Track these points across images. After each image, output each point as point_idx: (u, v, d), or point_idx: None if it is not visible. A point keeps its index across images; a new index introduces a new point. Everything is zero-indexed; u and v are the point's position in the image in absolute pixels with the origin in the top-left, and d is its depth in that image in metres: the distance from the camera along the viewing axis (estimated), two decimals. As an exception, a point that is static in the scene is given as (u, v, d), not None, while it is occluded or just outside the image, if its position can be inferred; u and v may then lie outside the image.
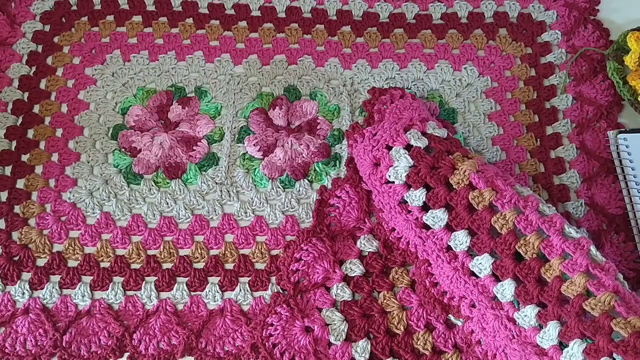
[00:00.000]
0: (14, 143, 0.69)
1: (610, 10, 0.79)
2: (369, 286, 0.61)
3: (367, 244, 0.63)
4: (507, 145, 0.71)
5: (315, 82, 0.74)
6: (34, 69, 0.74)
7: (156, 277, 0.63)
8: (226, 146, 0.70)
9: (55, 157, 0.69)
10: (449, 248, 0.57)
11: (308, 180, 0.68)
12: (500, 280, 0.54)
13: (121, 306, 0.61)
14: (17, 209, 0.66)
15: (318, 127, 0.71)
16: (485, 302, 0.55)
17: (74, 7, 0.78)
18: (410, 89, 0.74)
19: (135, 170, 0.68)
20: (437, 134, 0.62)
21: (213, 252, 0.64)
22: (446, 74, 0.75)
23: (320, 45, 0.77)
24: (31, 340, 0.59)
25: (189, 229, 0.65)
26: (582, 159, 0.69)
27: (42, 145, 0.69)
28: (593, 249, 0.52)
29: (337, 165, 0.69)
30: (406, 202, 0.60)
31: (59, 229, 0.64)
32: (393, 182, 0.60)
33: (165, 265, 0.64)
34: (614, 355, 0.46)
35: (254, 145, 0.69)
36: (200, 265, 0.64)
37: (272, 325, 0.59)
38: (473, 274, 0.56)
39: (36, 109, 0.72)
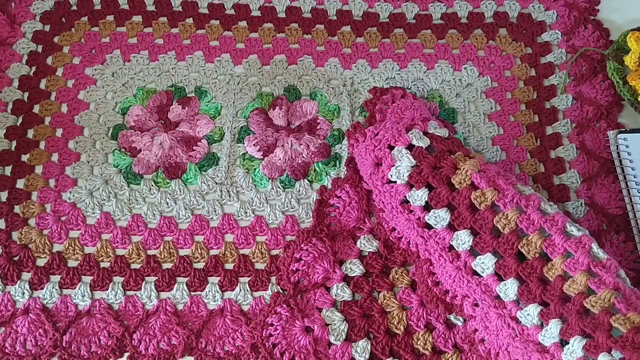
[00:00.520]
0: (14, 143, 0.69)
1: (610, 10, 0.79)
2: (369, 286, 0.61)
3: (367, 244, 0.63)
4: (507, 145, 0.71)
5: (315, 82, 0.74)
6: (34, 69, 0.74)
7: (156, 277, 0.63)
8: (226, 146, 0.70)
9: (55, 157, 0.69)
10: (451, 247, 0.58)
11: (308, 180, 0.68)
12: (503, 280, 0.54)
13: (121, 306, 0.61)
14: (17, 209, 0.66)
15: (318, 127, 0.71)
16: (489, 301, 0.55)
17: (74, 7, 0.78)
18: (410, 89, 0.74)
19: (135, 170, 0.68)
20: (438, 134, 0.62)
21: (213, 252, 0.64)
22: (446, 74, 0.75)
23: (320, 45, 0.77)
24: (31, 340, 0.59)
25: (189, 229, 0.65)
26: (582, 159, 0.69)
27: (42, 145, 0.69)
28: (594, 246, 0.52)
29: (337, 165, 0.69)
30: (408, 201, 0.60)
31: (59, 229, 0.64)
32: (395, 182, 0.60)
33: (165, 265, 0.64)
34: (613, 351, 0.46)
35: (254, 145, 0.69)
36: (200, 265, 0.64)
37: (272, 325, 0.59)
38: (476, 273, 0.56)
39: (36, 109, 0.72)
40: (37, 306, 0.60)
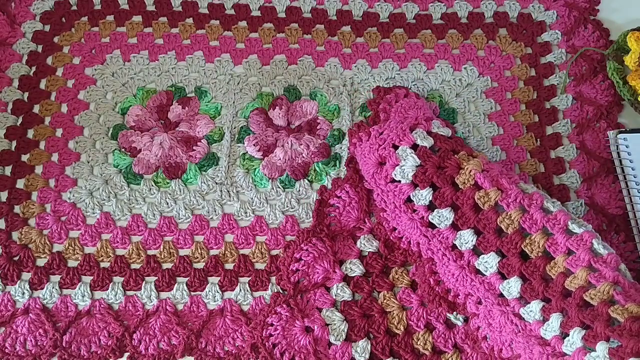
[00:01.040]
0: (14, 143, 0.69)
1: (610, 10, 0.79)
2: (369, 286, 0.61)
3: (367, 244, 0.63)
4: (507, 145, 0.71)
5: (315, 82, 0.74)
6: (34, 69, 0.74)
7: (156, 277, 0.63)
8: (226, 146, 0.70)
9: (55, 157, 0.69)
10: (454, 247, 0.58)
11: (308, 180, 0.68)
12: (506, 278, 0.55)
13: (121, 306, 0.61)
14: (17, 209, 0.66)
15: (318, 127, 0.71)
16: (492, 299, 0.55)
17: (74, 7, 0.78)
18: (410, 89, 0.74)
19: (135, 170, 0.68)
20: (442, 133, 0.62)
21: (213, 252, 0.64)
22: (446, 74, 0.75)
23: (320, 45, 0.77)
24: (31, 340, 0.59)
25: (189, 229, 0.65)
26: (582, 159, 0.69)
27: (42, 145, 0.69)
28: (595, 242, 0.52)
29: (337, 165, 0.69)
30: (411, 201, 0.60)
31: (59, 229, 0.64)
32: (399, 182, 0.60)
33: (165, 265, 0.64)
34: (611, 340, 0.46)
35: (254, 145, 0.69)
36: (200, 265, 0.64)
37: (272, 325, 0.59)
38: (479, 272, 0.57)
39: (36, 109, 0.72)
40: (37, 306, 0.60)
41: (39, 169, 0.68)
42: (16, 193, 0.66)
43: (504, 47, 0.77)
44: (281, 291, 0.62)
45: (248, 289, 0.62)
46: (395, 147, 0.61)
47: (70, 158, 0.68)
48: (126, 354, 0.59)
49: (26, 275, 0.62)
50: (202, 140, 0.70)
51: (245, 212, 0.66)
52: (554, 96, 0.74)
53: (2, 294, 0.61)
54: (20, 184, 0.67)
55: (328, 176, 0.68)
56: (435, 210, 0.58)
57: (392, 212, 0.62)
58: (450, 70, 0.75)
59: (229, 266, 0.64)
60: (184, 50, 0.76)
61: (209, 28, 0.78)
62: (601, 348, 0.46)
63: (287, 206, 0.66)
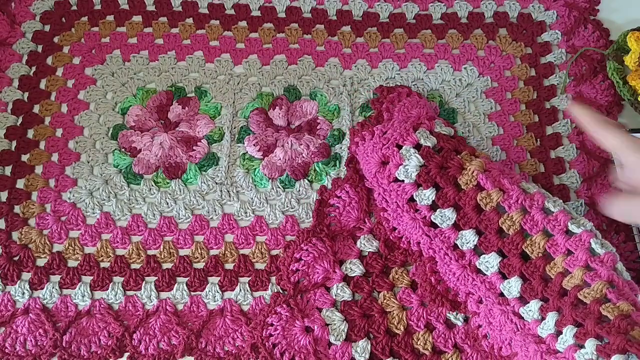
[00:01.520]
0: (14, 143, 0.69)
1: (610, 10, 0.79)
2: (369, 286, 0.61)
3: (367, 244, 0.63)
4: (507, 145, 0.71)
5: (315, 82, 0.74)
6: (34, 69, 0.74)
7: (156, 277, 0.63)
8: (226, 146, 0.70)
9: (55, 157, 0.69)
10: (455, 246, 0.58)
11: (308, 180, 0.68)
12: (507, 278, 0.55)
13: (121, 306, 0.61)
14: (17, 209, 0.66)
15: (318, 127, 0.71)
16: (493, 298, 0.56)
17: (74, 7, 0.78)
18: (411, 88, 0.74)
19: (135, 170, 0.68)
20: (444, 133, 0.62)
21: (213, 252, 0.64)
22: (446, 74, 0.75)
23: (320, 45, 0.77)
24: (31, 340, 0.59)
25: (189, 229, 0.65)
26: (582, 159, 0.69)
27: (42, 145, 0.69)
28: (593, 242, 0.53)
29: (337, 165, 0.69)
30: (414, 200, 0.60)
31: (59, 229, 0.64)
32: (402, 181, 0.60)
33: (165, 265, 0.64)
34: (605, 339, 0.47)
35: (254, 145, 0.69)
36: (200, 265, 0.64)
37: (272, 325, 0.59)
38: (480, 271, 0.57)
39: (36, 109, 0.72)
40: (37, 306, 0.60)
41: (39, 169, 0.68)
42: (16, 193, 0.66)
43: (504, 47, 0.77)
44: (281, 291, 0.62)
45: (248, 289, 0.62)
46: (399, 147, 0.61)
47: (70, 158, 0.68)
48: (126, 354, 0.59)
49: (26, 275, 0.62)
50: (202, 140, 0.70)
51: (245, 212, 0.66)
52: (554, 96, 0.74)
53: (2, 294, 0.61)
54: (20, 184, 0.67)
55: (328, 176, 0.68)
56: (438, 210, 0.59)
57: (393, 211, 0.62)
58: (450, 70, 0.75)
59: (229, 266, 0.64)
60: (184, 50, 0.76)
61: (209, 28, 0.78)
62: (590, 345, 0.46)
63: (287, 206, 0.66)
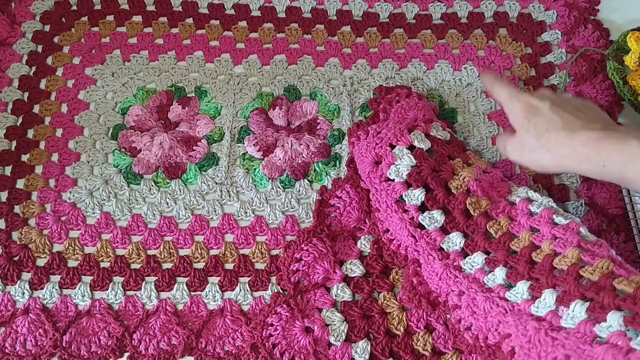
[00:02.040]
0: (14, 143, 0.70)
1: (610, 10, 0.79)
2: (369, 287, 0.61)
3: (367, 245, 0.63)
4: (507, 145, 0.71)
5: (315, 82, 0.74)
6: (34, 69, 0.74)
7: (156, 277, 0.63)
8: (226, 146, 0.70)
9: (55, 157, 0.69)
10: (440, 249, 0.58)
11: (308, 180, 0.68)
12: (491, 272, 0.55)
13: (121, 306, 0.61)
14: (17, 209, 0.66)
15: (318, 127, 0.71)
16: (475, 288, 0.55)
17: (74, 7, 0.78)
18: (411, 89, 0.74)
19: (135, 170, 0.68)
20: (440, 137, 0.63)
21: (213, 252, 0.64)
22: (446, 73, 0.75)
23: (320, 45, 0.77)
24: (31, 340, 0.59)
25: (189, 229, 0.65)
26: (582, 159, 0.69)
27: (42, 145, 0.69)
28: (583, 230, 0.53)
29: (337, 165, 0.69)
30: (404, 201, 0.60)
31: (59, 229, 0.64)
32: (393, 180, 0.60)
33: (165, 265, 0.64)
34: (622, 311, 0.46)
35: (253, 145, 0.69)
36: (200, 265, 0.64)
37: (272, 325, 0.59)
38: (463, 270, 0.57)
39: (36, 109, 0.72)
40: (37, 306, 0.60)
41: (39, 169, 0.68)
42: (16, 193, 0.66)
43: (504, 47, 0.77)
44: (281, 291, 0.62)
45: (248, 289, 0.62)
46: (392, 147, 0.61)
47: (70, 158, 0.68)
48: (126, 354, 0.59)
49: (26, 275, 0.62)
50: (202, 140, 0.70)
51: (245, 212, 0.66)
52: (554, 96, 0.74)
53: (2, 294, 0.61)
54: (20, 184, 0.67)
55: (328, 176, 0.68)
56: (426, 211, 0.59)
57: (384, 211, 0.62)
58: (450, 70, 0.75)
59: (229, 266, 0.64)
60: (184, 50, 0.76)
61: (209, 28, 0.78)
62: (614, 317, 0.46)
63: (287, 206, 0.66)
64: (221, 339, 0.60)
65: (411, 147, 0.61)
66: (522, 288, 0.52)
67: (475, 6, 0.80)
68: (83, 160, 0.69)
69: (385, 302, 0.61)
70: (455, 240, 0.58)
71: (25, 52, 0.75)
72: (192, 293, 0.62)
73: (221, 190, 0.67)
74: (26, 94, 0.72)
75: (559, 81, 0.75)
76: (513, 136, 0.58)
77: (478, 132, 0.71)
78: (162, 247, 0.64)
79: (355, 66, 0.76)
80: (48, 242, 0.64)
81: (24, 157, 0.69)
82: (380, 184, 0.61)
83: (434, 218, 0.58)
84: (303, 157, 0.69)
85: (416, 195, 0.59)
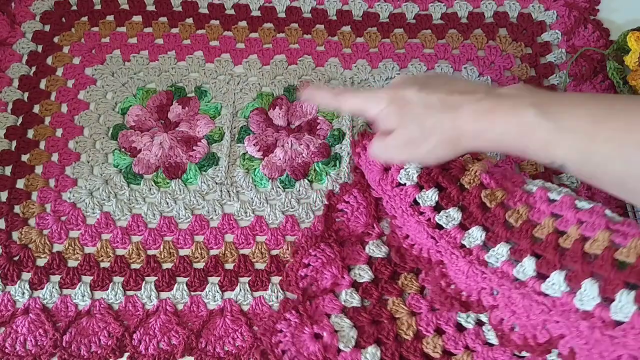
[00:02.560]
0: (14, 143, 0.70)
1: (610, 10, 0.79)
2: (378, 292, 0.61)
3: (375, 250, 0.63)
4: (507, 145, 0.71)
5: (316, 82, 0.74)
6: (34, 69, 0.74)
7: (156, 277, 0.63)
8: (226, 146, 0.70)
9: (55, 157, 0.69)
10: (462, 246, 0.57)
11: (308, 180, 0.68)
12: (519, 262, 0.53)
13: (121, 306, 0.61)
14: (17, 209, 0.66)
15: (318, 127, 0.71)
16: (508, 284, 0.53)
17: (74, 7, 0.78)
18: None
19: (135, 170, 0.68)
20: None
21: (213, 252, 0.64)
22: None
23: (320, 45, 0.77)
24: (31, 340, 0.59)
25: (189, 229, 0.65)
26: (582, 159, 0.69)
27: (42, 145, 0.69)
28: (609, 212, 0.50)
29: (337, 165, 0.69)
30: (418, 203, 0.59)
31: (59, 229, 0.64)
32: (404, 185, 0.60)
33: (165, 265, 0.64)
34: None
35: (253, 145, 0.69)
36: (200, 265, 0.64)
37: (281, 331, 0.59)
38: (489, 264, 0.55)
39: (36, 109, 0.72)
40: (37, 306, 0.60)
41: (39, 169, 0.68)
42: (16, 193, 0.66)
43: (504, 47, 0.77)
44: (283, 293, 0.61)
45: (248, 289, 0.62)
46: None
47: (70, 158, 0.68)
48: (126, 354, 0.59)
49: (26, 275, 0.62)
50: (202, 140, 0.70)
51: (245, 212, 0.66)
52: (554, 96, 0.74)
53: (2, 294, 0.61)
54: (20, 184, 0.67)
55: (328, 176, 0.68)
56: (442, 211, 0.58)
57: (401, 217, 0.61)
58: (450, 70, 0.75)
59: (229, 266, 0.64)
60: (184, 50, 0.76)
61: (209, 28, 0.78)
62: None
63: (287, 206, 0.66)
64: (221, 339, 0.60)
65: None
66: (557, 279, 0.49)
67: (475, 6, 0.80)
68: (83, 160, 0.69)
69: (394, 307, 0.60)
70: (475, 235, 0.56)
71: (25, 52, 0.75)
72: (192, 293, 0.62)
73: (221, 190, 0.67)
74: (26, 94, 0.72)
75: (559, 81, 0.75)
76: (389, 138, 0.53)
77: (478, 132, 0.71)
78: (162, 247, 0.64)
79: (355, 66, 0.76)
80: (48, 242, 0.64)
81: (24, 157, 0.69)
82: (393, 190, 0.61)
83: (451, 216, 0.57)
84: (303, 157, 0.69)
85: (430, 196, 0.58)
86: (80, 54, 0.75)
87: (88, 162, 0.68)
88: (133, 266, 0.63)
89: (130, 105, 0.72)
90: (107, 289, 0.62)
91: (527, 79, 0.75)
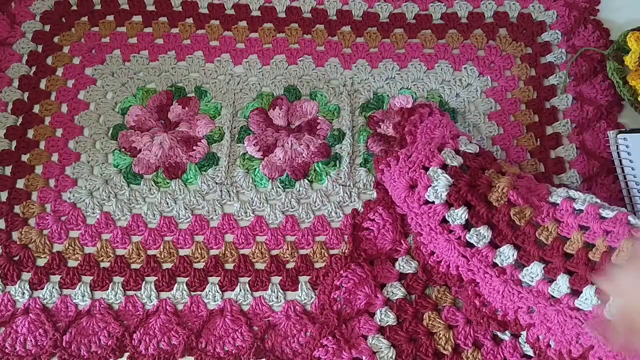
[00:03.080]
0: (14, 143, 0.69)
1: (610, 10, 0.79)
2: (413, 308, 0.61)
3: (405, 266, 0.62)
4: (507, 145, 0.71)
5: (315, 82, 0.74)
6: (34, 69, 0.74)
7: (156, 277, 0.63)
8: (226, 146, 0.70)
9: (55, 157, 0.69)
10: (494, 265, 0.57)
11: (308, 180, 0.68)
12: (554, 280, 0.54)
13: (121, 306, 0.61)
14: (17, 209, 0.66)
15: (318, 127, 0.71)
16: (544, 302, 0.55)
17: (74, 7, 0.78)
18: (410, 89, 0.74)
19: (135, 170, 0.68)
20: (469, 151, 0.62)
21: (213, 252, 0.64)
22: (446, 74, 0.75)
23: (320, 45, 0.77)
24: (31, 340, 0.59)
25: (189, 229, 0.65)
26: (582, 159, 0.69)
27: (42, 145, 0.69)
28: (632, 218, 0.52)
29: (337, 165, 0.69)
30: (447, 221, 0.59)
31: (59, 229, 0.64)
32: (432, 203, 0.60)
33: (165, 265, 0.64)
34: None
35: (253, 145, 0.69)
36: (200, 265, 0.64)
37: (319, 359, 0.58)
38: (524, 283, 0.56)
39: (36, 109, 0.72)
40: (37, 306, 0.60)
41: (39, 169, 0.68)
42: (16, 193, 0.66)
43: (504, 47, 0.77)
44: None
45: (248, 289, 0.62)
46: (425, 169, 0.60)
47: (70, 158, 0.68)
48: (126, 354, 0.59)
49: (26, 275, 0.62)
50: (202, 140, 0.70)
51: (245, 212, 0.66)
52: (554, 96, 0.74)
53: (2, 294, 0.61)
54: (20, 184, 0.67)
55: (328, 176, 0.68)
56: (472, 229, 0.58)
57: (427, 234, 0.61)
58: (450, 70, 0.75)
59: (229, 266, 0.64)
60: (184, 50, 0.76)
61: (209, 28, 0.78)
62: None
63: (287, 206, 0.66)
64: (221, 339, 0.60)
65: (444, 166, 0.60)
66: (589, 293, 0.51)
67: (475, 6, 0.80)
68: (83, 160, 0.69)
69: (430, 322, 0.60)
70: (507, 254, 0.57)
71: (25, 52, 0.75)
72: (192, 293, 0.62)
73: (221, 190, 0.67)
74: (26, 94, 0.72)
75: (559, 81, 0.75)
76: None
77: (478, 132, 0.71)
78: (162, 247, 0.64)
79: (355, 66, 0.76)
80: (48, 242, 0.64)
81: (24, 157, 0.69)
82: (420, 208, 0.60)
83: (481, 234, 0.57)
84: (303, 157, 0.69)
85: (459, 215, 0.58)
86: (80, 54, 0.75)
87: (88, 162, 0.68)
88: (133, 266, 0.63)
89: (130, 105, 0.72)
90: (107, 289, 0.62)
91: (527, 79, 0.75)
